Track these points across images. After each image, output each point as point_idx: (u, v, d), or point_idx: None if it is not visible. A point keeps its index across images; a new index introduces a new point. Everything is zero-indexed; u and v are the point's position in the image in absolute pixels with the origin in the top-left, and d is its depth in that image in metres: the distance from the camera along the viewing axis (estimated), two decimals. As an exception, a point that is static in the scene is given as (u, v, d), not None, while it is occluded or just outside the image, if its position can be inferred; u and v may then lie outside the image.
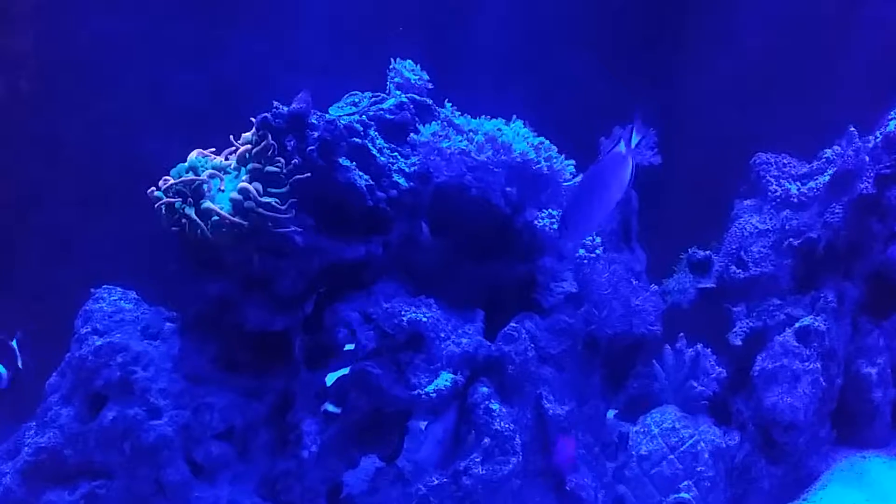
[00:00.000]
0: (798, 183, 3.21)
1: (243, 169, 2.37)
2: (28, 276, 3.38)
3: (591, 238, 2.90)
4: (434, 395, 2.45)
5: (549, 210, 2.75)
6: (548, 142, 2.77)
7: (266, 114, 2.38)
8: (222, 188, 2.35)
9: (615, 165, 2.04)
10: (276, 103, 2.40)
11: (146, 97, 3.48)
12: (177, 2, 3.52)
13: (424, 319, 2.49)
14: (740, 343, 3.01)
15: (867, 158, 2.98)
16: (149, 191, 2.33)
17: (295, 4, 3.61)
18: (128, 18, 3.51)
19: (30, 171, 3.39)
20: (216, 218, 2.25)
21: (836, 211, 2.97)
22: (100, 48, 3.43)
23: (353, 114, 2.61)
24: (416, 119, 2.74)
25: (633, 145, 2.02)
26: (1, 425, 2.74)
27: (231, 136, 2.41)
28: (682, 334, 2.98)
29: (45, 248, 3.37)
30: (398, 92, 2.78)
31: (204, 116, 3.20)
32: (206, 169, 2.36)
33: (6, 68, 3.55)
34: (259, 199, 2.26)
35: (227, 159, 2.45)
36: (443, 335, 2.52)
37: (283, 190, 2.31)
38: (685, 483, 2.68)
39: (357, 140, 2.50)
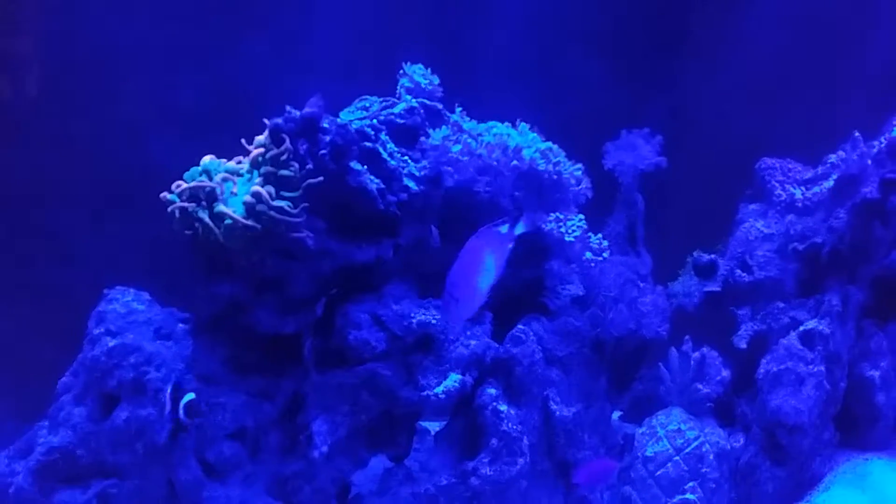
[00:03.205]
0: (803, 188, 3.24)
1: (256, 172, 2.39)
2: (40, 278, 3.40)
3: (598, 241, 2.93)
4: (443, 396, 2.48)
5: (557, 214, 2.78)
6: (555, 146, 2.80)
7: (278, 118, 2.39)
8: (235, 191, 2.37)
9: (494, 243, 1.90)
10: (288, 107, 2.41)
11: (155, 100, 3.48)
12: (186, 5, 3.53)
13: (434, 321, 2.51)
14: (745, 346, 3.04)
15: (871, 163, 3.00)
16: (162, 195, 2.35)
17: (305, 8, 3.62)
18: (136, 20, 3.52)
19: (40, 173, 3.40)
20: (229, 221, 2.27)
21: (841, 216, 2.99)
22: (108, 50, 3.44)
23: (364, 118, 2.63)
24: (427, 123, 2.76)
25: (516, 232, 1.91)
26: (9, 424, 2.77)
27: (243, 140, 2.43)
28: (687, 337, 3.00)
29: (57, 250, 3.38)
30: (409, 96, 2.80)
31: (213, 120, 3.21)
32: (220, 172, 2.38)
33: (13, 70, 3.56)
34: (271, 202, 2.28)
35: (238, 163, 2.47)
36: (451, 337, 2.55)
37: (296, 194, 2.32)
38: (690, 484, 2.70)
39: (368, 144, 2.51)
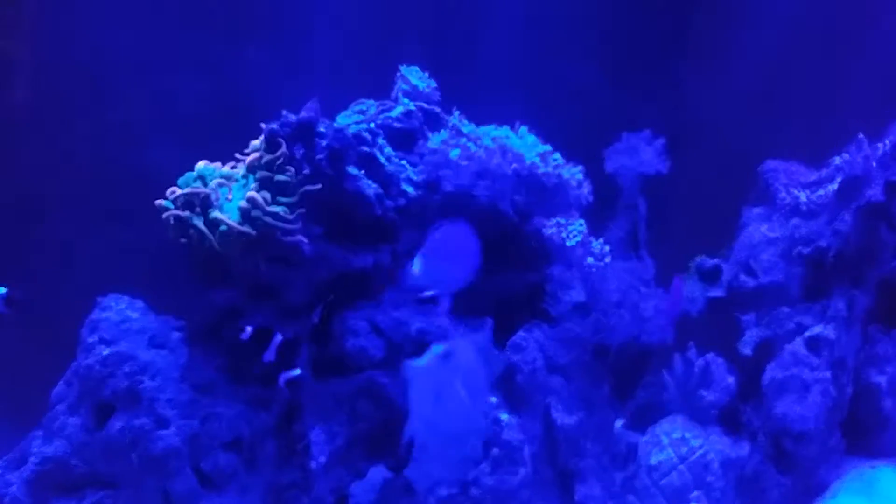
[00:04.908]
0: (807, 191, 3.20)
1: (252, 177, 2.37)
2: (34, 285, 3.38)
3: (599, 246, 2.91)
4: (443, 404, 2.45)
5: (557, 219, 2.76)
6: (554, 151, 2.78)
7: (274, 123, 2.38)
8: (230, 197, 2.36)
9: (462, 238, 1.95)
10: (284, 112, 2.40)
11: (152, 105, 3.48)
12: (183, 10, 3.52)
13: (433, 329, 2.49)
14: (750, 352, 3.00)
15: (875, 165, 2.97)
16: (157, 202, 2.33)
17: (302, 13, 3.62)
18: (132, 25, 3.51)
19: (34, 179, 3.39)
20: (224, 227, 2.26)
21: (846, 219, 2.95)
22: (105, 55, 3.43)
23: (361, 122, 2.62)
24: (425, 127, 2.76)
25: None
26: (1, 431, 2.74)
27: (236, 154, 2.42)
28: (691, 343, 2.97)
29: (50, 256, 3.37)
30: (406, 100, 2.80)
31: (209, 125, 3.21)
32: (215, 178, 2.36)
33: (10, 76, 3.56)
34: (266, 207, 2.26)
35: (234, 168, 2.46)
36: (451, 343, 2.53)
37: (292, 199, 2.31)
38: (695, 493, 2.68)
39: (365, 148, 2.51)
